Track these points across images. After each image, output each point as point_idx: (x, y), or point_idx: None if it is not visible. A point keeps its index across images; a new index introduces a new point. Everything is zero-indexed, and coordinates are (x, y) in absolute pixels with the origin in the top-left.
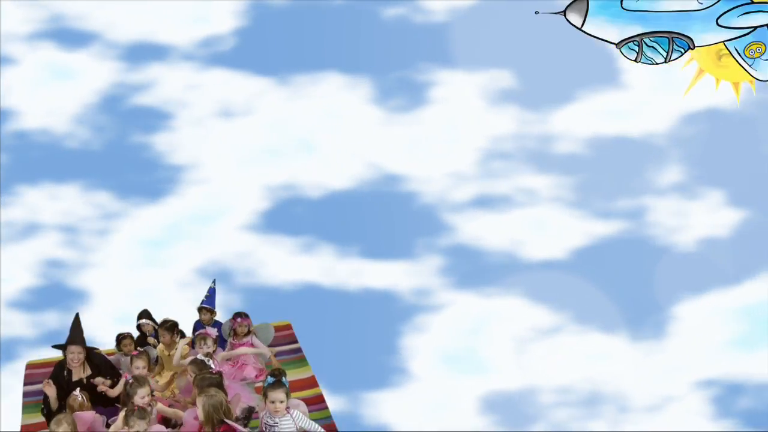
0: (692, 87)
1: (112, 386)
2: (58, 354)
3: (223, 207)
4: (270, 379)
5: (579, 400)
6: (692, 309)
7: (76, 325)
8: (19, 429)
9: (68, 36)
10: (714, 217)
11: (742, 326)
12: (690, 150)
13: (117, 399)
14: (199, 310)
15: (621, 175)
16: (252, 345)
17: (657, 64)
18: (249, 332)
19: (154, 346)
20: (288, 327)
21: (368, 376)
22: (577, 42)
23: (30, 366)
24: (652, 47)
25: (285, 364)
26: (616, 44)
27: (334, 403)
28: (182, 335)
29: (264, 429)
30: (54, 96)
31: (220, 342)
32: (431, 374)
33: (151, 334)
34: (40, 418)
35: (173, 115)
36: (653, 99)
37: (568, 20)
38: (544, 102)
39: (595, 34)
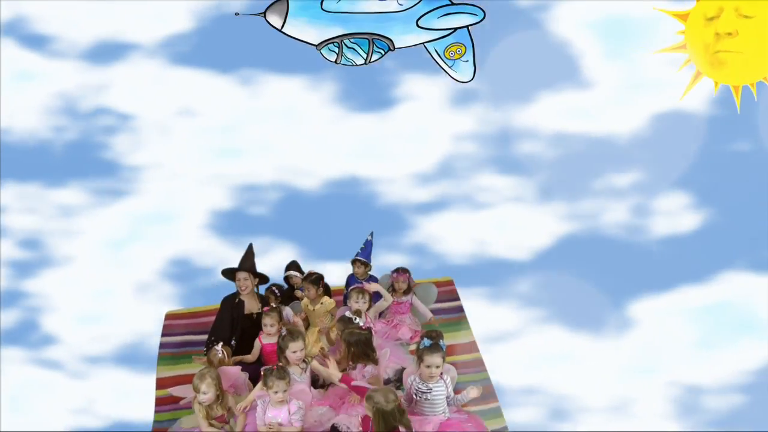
0: (689, 90)
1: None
2: (196, 305)
3: (184, 207)
4: (426, 342)
5: (542, 401)
6: (654, 309)
7: (249, 254)
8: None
9: (28, 36)
10: (676, 218)
11: (704, 326)
12: (653, 150)
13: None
14: (353, 262)
15: (584, 175)
16: (410, 306)
17: (357, 65)
18: (410, 289)
19: (301, 300)
20: (450, 283)
21: None
22: (541, 41)
23: (168, 317)
24: (352, 48)
25: (443, 325)
26: (316, 46)
27: None
28: (327, 290)
29: (414, 394)
30: (14, 97)
31: (375, 296)
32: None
33: (300, 287)
34: (175, 371)
35: (134, 115)
36: (618, 99)
37: (268, 22)
38: (507, 102)
39: (295, 36)
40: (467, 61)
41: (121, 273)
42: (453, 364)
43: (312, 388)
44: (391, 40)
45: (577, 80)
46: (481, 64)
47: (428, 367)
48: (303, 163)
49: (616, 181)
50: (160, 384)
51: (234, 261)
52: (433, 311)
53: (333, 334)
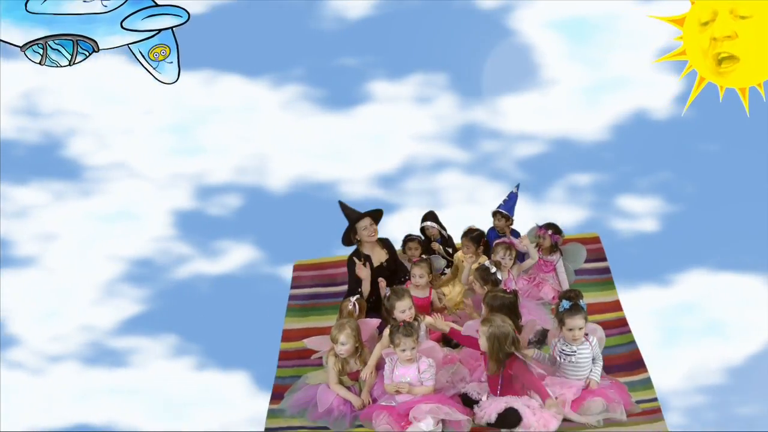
0: (694, 97)
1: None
2: (325, 255)
3: (147, 207)
4: (566, 304)
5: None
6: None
7: (347, 207)
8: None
9: None
10: (638, 220)
11: (669, 324)
12: (617, 151)
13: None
14: (494, 214)
15: (549, 175)
16: (554, 267)
17: (61, 66)
18: (557, 249)
19: (438, 253)
20: (596, 240)
21: None
22: (504, 42)
23: (297, 268)
24: (56, 50)
25: (586, 285)
26: (20, 47)
27: None
28: (487, 248)
29: (558, 356)
30: None
31: (519, 257)
32: None
33: (437, 239)
34: (303, 324)
35: (96, 115)
36: (580, 99)
37: None
38: (470, 102)
39: (0, 38)
40: (171, 62)
41: (83, 273)
42: (596, 323)
43: (444, 347)
44: (95, 42)
45: (540, 80)
46: (447, 64)
47: (570, 330)
48: (265, 163)
49: (578, 181)
50: (286, 336)
51: (196, 261)
52: (578, 271)
53: (476, 287)
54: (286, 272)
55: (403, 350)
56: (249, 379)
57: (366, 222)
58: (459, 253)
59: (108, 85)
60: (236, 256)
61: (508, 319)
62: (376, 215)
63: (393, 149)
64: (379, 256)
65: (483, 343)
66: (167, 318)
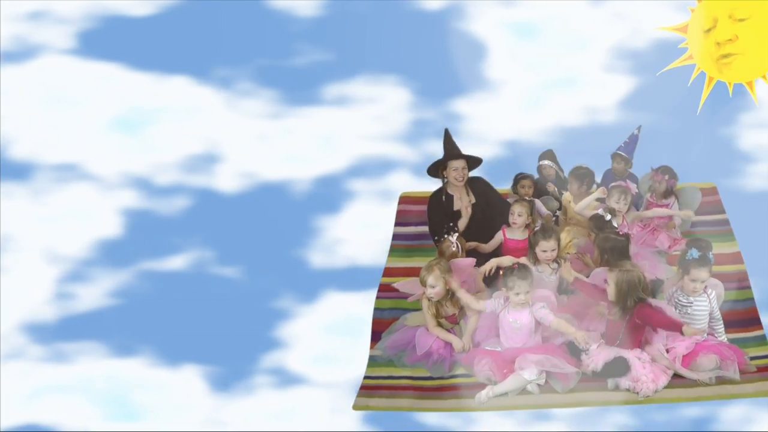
0: (706, 96)
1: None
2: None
3: (93, 207)
4: (694, 253)
5: None
6: None
7: (450, 139)
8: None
9: None
10: None
11: None
12: (564, 152)
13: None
14: (614, 156)
15: (495, 177)
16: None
17: None
18: (671, 193)
19: (553, 194)
20: (714, 191)
21: None
22: (452, 43)
23: (402, 200)
24: None
25: (705, 236)
26: None
27: None
28: (597, 187)
29: (674, 306)
30: None
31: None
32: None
33: (552, 179)
34: (406, 263)
35: (39, 114)
36: (530, 100)
37: None
38: (420, 103)
39: None
40: None
41: (32, 273)
42: (715, 276)
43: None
44: None
45: (488, 81)
46: (397, 64)
47: (693, 281)
48: (214, 163)
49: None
50: (387, 272)
51: (146, 261)
52: (696, 224)
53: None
54: (234, 272)
55: (517, 294)
56: (201, 377)
57: (460, 163)
58: (567, 194)
59: (55, 85)
60: (186, 255)
61: (637, 264)
62: (473, 162)
63: (341, 149)
64: (463, 201)
65: (611, 290)
66: (116, 317)
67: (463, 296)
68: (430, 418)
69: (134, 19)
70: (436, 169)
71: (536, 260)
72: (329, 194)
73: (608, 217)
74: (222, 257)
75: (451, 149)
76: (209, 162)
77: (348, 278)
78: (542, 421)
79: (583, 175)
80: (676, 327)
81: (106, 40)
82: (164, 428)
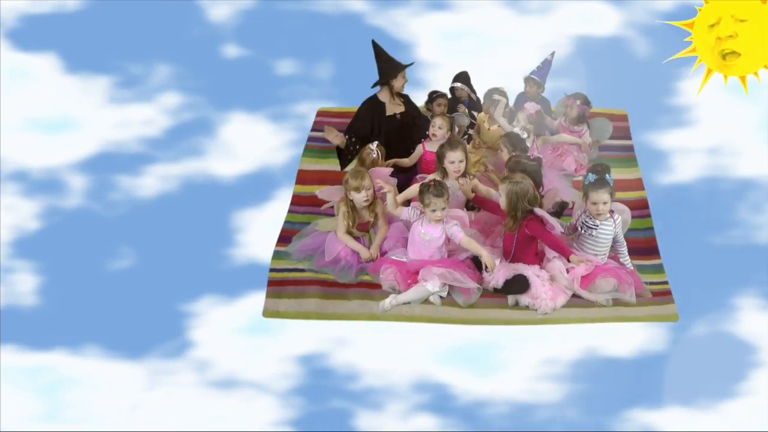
0: (704, 86)
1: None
2: (349, 106)
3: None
4: (592, 177)
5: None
6: None
7: (385, 52)
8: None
9: None
10: None
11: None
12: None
13: (412, 169)
14: (526, 80)
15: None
16: (581, 136)
17: None
18: (583, 120)
19: (466, 115)
20: (624, 117)
21: None
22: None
23: (320, 113)
24: None
25: (610, 160)
26: None
27: None
28: (511, 111)
29: (579, 227)
30: None
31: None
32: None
33: (464, 101)
34: (319, 166)
35: None
36: None
37: None
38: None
39: None
40: None
41: None
42: (617, 201)
43: (464, 210)
44: None
45: (417, 82)
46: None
47: (594, 204)
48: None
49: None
50: (301, 178)
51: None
52: (602, 147)
53: (503, 153)
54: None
55: (434, 210)
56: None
57: (403, 74)
58: (482, 114)
59: None
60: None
61: (529, 178)
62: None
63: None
64: (394, 108)
65: (503, 201)
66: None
67: (390, 198)
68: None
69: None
70: (387, 75)
71: (445, 174)
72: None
73: (525, 135)
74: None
75: (391, 60)
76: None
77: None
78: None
79: (500, 93)
80: (563, 252)
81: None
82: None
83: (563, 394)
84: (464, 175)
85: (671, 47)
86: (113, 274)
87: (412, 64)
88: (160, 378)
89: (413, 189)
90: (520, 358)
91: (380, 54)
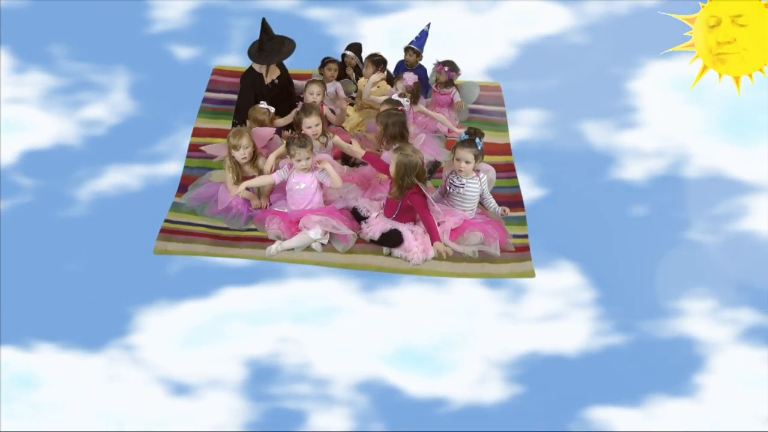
0: (698, 82)
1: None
2: (245, 64)
3: None
4: (464, 136)
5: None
6: None
7: (268, 26)
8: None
9: None
10: None
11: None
12: None
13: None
14: (406, 49)
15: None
16: (452, 99)
17: None
18: (452, 83)
19: (350, 79)
20: (497, 88)
21: None
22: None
23: (215, 72)
24: None
25: (483, 123)
26: None
27: None
28: (389, 77)
29: (448, 187)
30: None
31: (424, 88)
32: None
33: (354, 67)
34: (213, 125)
35: None
36: None
37: None
38: None
39: None
40: None
41: None
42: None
43: (343, 166)
44: None
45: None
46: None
47: (458, 160)
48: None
49: None
50: (196, 132)
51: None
52: (477, 111)
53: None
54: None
55: (299, 160)
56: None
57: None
58: (362, 79)
59: None
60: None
61: (420, 152)
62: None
63: None
64: (271, 75)
65: (392, 169)
66: None
67: (267, 162)
68: None
69: None
70: (260, 49)
71: (294, 135)
72: None
73: (403, 100)
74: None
75: (276, 50)
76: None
77: None
78: None
79: (378, 61)
80: (433, 233)
81: None
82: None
83: (512, 393)
84: (324, 134)
85: (623, 48)
86: (63, 273)
87: (293, 47)
88: (109, 379)
89: (281, 149)
90: (470, 357)
91: (266, 32)
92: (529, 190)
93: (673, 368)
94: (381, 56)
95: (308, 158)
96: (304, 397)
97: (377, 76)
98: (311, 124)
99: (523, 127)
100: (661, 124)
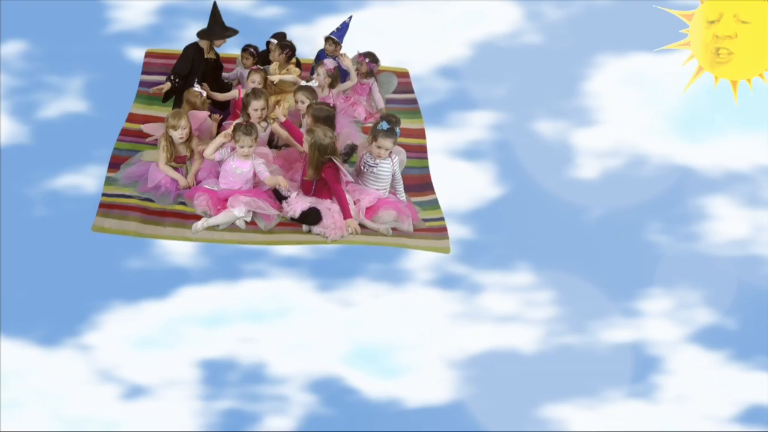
0: (692, 83)
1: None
2: (177, 47)
3: None
4: (384, 125)
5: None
6: None
7: (218, 13)
8: (126, 116)
9: None
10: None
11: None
12: None
13: (225, 105)
14: (326, 39)
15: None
16: (370, 89)
17: None
18: (372, 74)
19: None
20: (407, 75)
21: None
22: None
23: (148, 55)
24: None
25: (396, 112)
26: None
27: None
28: (298, 64)
29: (362, 167)
30: None
31: (342, 76)
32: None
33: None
34: (148, 111)
35: None
36: None
37: None
38: None
39: None
40: None
41: None
42: (400, 146)
43: (269, 148)
44: None
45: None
46: None
47: (379, 147)
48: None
49: None
50: (131, 118)
51: None
52: (389, 100)
53: (290, 103)
54: None
55: (242, 147)
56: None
57: (221, 42)
58: (273, 65)
59: None
60: None
61: (330, 131)
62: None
63: None
64: (211, 54)
65: (306, 150)
66: None
67: (213, 143)
68: None
69: None
70: (212, 34)
71: (249, 118)
72: None
73: (313, 83)
74: None
75: (222, 28)
76: None
77: None
78: None
79: (284, 46)
80: (345, 210)
81: None
82: None
83: (467, 393)
84: (265, 119)
85: (579, 48)
86: (18, 272)
87: (237, 32)
88: (62, 379)
89: (218, 139)
90: (425, 356)
91: (215, 15)
92: (485, 189)
93: (627, 368)
94: (288, 42)
95: (251, 146)
96: (259, 398)
97: (292, 77)
98: (258, 107)
99: (478, 127)
100: (617, 122)
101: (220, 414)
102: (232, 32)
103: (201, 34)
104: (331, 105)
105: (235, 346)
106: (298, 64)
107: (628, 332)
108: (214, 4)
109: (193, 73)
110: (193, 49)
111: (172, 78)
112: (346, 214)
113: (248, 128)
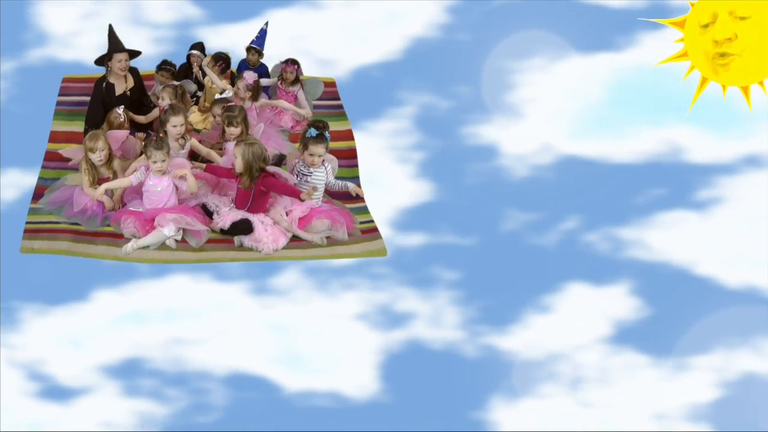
0: (698, 98)
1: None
2: (95, 72)
3: None
4: (313, 132)
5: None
6: None
7: (114, 35)
8: (47, 135)
9: None
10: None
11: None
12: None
13: (150, 126)
14: (248, 49)
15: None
16: (296, 96)
17: None
18: (297, 81)
19: (197, 75)
20: (333, 84)
21: None
22: None
23: (66, 80)
24: None
25: (323, 117)
26: None
27: None
28: (232, 76)
29: (296, 175)
30: None
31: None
32: None
33: (199, 66)
34: (69, 127)
35: None
36: None
37: None
38: None
39: None
40: None
41: None
42: (331, 151)
43: (192, 163)
44: None
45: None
46: None
47: (311, 155)
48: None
49: None
50: (53, 137)
51: None
52: (315, 106)
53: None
54: None
55: (155, 162)
56: None
57: (123, 56)
58: (207, 78)
59: None
60: None
61: (259, 140)
62: (134, 54)
63: None
64: (123, 86)
65: (238, 162)
66: None
67: (129, 169)
68: None
69: None
70: (103, 60)
71: (167, 135)
72: None
73: (227, 94)
74: None
75: (114, 43)
76: None
77: None
78: None
79: (218, 57)
80: (295, 194)
81: None
82: None
83: (396, 393)
84: (183, 137)
85: (509, 46)
86: None
87: (132, 51)
88: None
89: (132, 165)
90: (351, 356)
91: (111, 36)
92: (413, 192)
93: (555, 368)
94: (227, 55)
95: (164, 161)
96: (182, 398)
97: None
98: (177, 123)
99: (405, 128)
100: (545, 121)
101: (141, 414)
102: (131, 52)
103: (98, 61)
104: (236, 105)
105: (160, 346)
106: (233, 76)
107: (554, 330)
108: (110, 26)
109: (107, 111)
110: (98, 92)
111: (87, 130)
112: (296, 194)
113: (158, 143)
